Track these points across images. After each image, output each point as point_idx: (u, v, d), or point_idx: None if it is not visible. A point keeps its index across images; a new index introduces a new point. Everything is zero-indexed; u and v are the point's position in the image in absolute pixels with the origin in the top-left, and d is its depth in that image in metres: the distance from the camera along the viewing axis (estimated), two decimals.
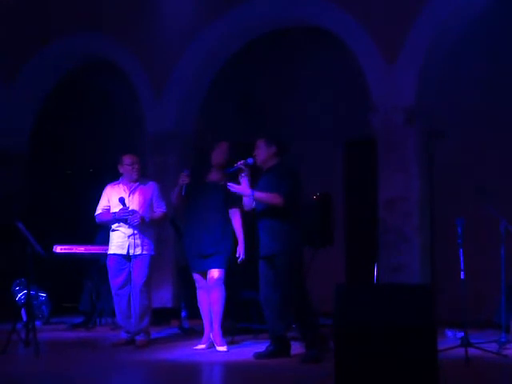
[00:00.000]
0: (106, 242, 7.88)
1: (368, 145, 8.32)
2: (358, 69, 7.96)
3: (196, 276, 6.18)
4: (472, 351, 5.38)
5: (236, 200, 5.97)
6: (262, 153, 5.75)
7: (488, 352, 5.52)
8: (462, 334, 5.54)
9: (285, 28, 9.00)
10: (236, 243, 6.08)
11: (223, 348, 6.00)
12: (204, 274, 6.11)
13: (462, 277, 5.63)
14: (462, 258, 5.63)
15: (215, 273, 6.02)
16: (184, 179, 6.08)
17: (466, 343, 5.39)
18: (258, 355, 5.65)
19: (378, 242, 7.75)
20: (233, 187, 5.66)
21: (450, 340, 6.31)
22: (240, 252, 6.05)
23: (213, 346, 6.08)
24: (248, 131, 9.74)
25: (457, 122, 8.26)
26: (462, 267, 5.63)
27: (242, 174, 5.74)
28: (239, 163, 5.76)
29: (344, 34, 8.06)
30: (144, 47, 9.29)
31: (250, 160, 5.77)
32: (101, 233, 8.22)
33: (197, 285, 6.18)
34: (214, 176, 6.19)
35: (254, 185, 5.74)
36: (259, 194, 5.60)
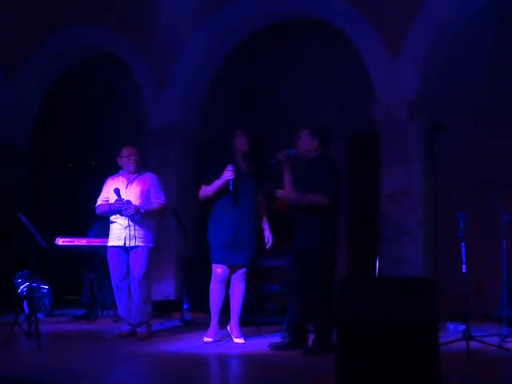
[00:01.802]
0: (99, 235, 7.92)
1: (371, 138, 8.31)
2: (361, 62, 7.95)
3: (218, 268, 6.05)
4: (473, 344, 5.37)
5: (262, 187, 6.02)
6: (305, 144, 5.64)
7: (490, 345, 5.51)
8: (464, 327, 5.54)
9: (287, 21, 8.98)
10: None
11: (241, 340, 6.02)
12: (231, 267, 6.08)
13: (463, 270, 5.63)
14: (463, 252, 5.63)
15: (242, 268, 6.06)
16: (230, 174, 5.94)
17: (467, 336, 5.38)
18: (273, 346, 5.65)
19: (380, 235, 7.75)
20: (280, 193, 5.59)
21: (451, 333, 6.31)
22: (268, 237, 6.10)
23: (220, 340, 6.09)
24: (251, 124, 9.75)
25: (459, 116, 8.25)
26: (463, 261, 5.62)
27: (284, 166, 5.65)
28: (281, 155, 5.65)
29: (347, 27, 8.04)
30: (146, 41, 9.28)
31: (292, 151, 5.65)
32: (94, 226, 8.24)
33: (215, 278, 6.06)
34: (241, 165, 6.12)
35: (294, 175, 5.68)
36: (305, 199, 5.48)
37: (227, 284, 6.12)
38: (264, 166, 6.05)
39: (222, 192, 6.03)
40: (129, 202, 6.33)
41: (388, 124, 7.77)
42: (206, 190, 6.12)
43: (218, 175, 6.02)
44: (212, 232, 6.12)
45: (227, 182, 5.97)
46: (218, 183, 6.02)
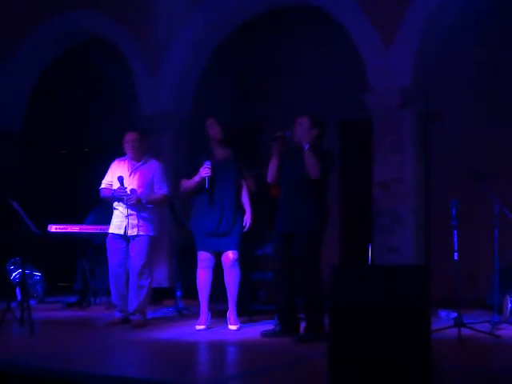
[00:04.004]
0: (96, 222, 7.91)
1: (364, 125, 8.31)
2: (355, 49, 7.93)
3: (203, 255, 6.08)
4: (465, 331, 5.41)
5: (245, 173, 6.04)
6: (304, 131, 5.64)
7: (481, 332, 5.55)
8: (456, 314, 5.57)
9: (282, 7, 8.95)
10: None
11: (234, 327, 6.03)
12: (215, 254, 6.09)
13: (455, 258, 5.65)
14: (455, 240, 5.65)
15: (231, 254, 6.04)
16: (207, 171, 5.96)
17: (459, 323, 5.42)
18: (264, 334, 5.67)
19: (372, 223, 7.76)
20: (302, 124, 5.58)
21: (443, 320, 6.34)
22: (247, 221, 6.08)
23: (212, 327, 6.10)
24: (244, 111, 9.74)
25: (453, 103, 8.26)
26: (455, 248, 5.65)
27: (276, 145, 5.63)
28: (278, 134, 5.64)
29: (341, 14, 8.01)
30: (139, 27, 9.23)
31: (288, 132, 5.64)
32: (91, 213, 8.23)
33: (201, 264, 6.09)
34: (219, 153, 6.14)
35: (287, 160, 5.69)
36: (310, 152, 5.48)
37: (218, 271, 6.13)
38: (244, 152, 6.07)
39: (201, 186, 6.05)
40: (132, 190, 6.30)
41: (381, 111, 7.76)
42: (186, 185, 6.15)
43: (196, 169, 6.05)
44: (195, 220, 6.15)
45: (204, 179, 5.98)
46: (195, 179, 6.04)
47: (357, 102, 7.92)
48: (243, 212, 6.12)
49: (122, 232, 6.35)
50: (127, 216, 6.32)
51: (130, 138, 6.47)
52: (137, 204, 6.30)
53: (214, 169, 6.01)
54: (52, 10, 9.77)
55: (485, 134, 8.27)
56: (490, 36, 8.26)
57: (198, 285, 6.13)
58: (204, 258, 6.09)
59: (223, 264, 6.09)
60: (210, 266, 6.10)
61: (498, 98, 8.31)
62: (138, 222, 6.34)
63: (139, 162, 6.49)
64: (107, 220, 6.66)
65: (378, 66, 7.77)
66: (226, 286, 6.10)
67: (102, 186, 6.53)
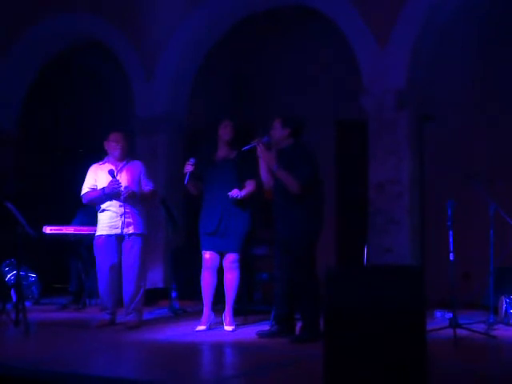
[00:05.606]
0: (83, 223, 7.89)
1: (360, 126, 8.31)
2: (350, 50, 7.93)
3: (206, 254, 6.09)
4: (461, 332, 5.41)
5: (252, 172, 5.99)
6: (277, 133, 5.69)
7: (476, 333, 5.55)
8: (451, 314, 5.57)
9: (278, 8, 8.95)
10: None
11: (229, 328, 6.03)
12: (221, 254, 6.09)
13: (451, 258, 5.66)
14: (451, 240, 5.66)
15: (231, 255, 6.05)
16: (188, 168, 6.01)
17: (454, 324, 5.42)
18: (260, 334, 5.67)
19: (368, 223, 7.76)
20: (262, 152, 5.61)
21: (438, 321, 6.35)
22: (239, 192, 5.95)
23: (213, 327, 6.09)
24: (240, 111, 9.73)
25: (448, 104, 8.27)
26: (451, 249, 5.65)
27: (259, 153, 5.68)
28: (254, 142, 5.70)
29: (336, 16, 8.02)
30: (134, 28, 9.21)
31: (265, 138, 5.70)
32: (77, 215, 8.21)
33: (204, 264, 6.10)
34: (222, 152, 6.16)
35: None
36: (281, 172, 5.51)
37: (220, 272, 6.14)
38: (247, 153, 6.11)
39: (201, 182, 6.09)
40: (124, 187, 6.27)
41: (377, 113, 7.76)
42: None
43: (198, 166, 6.09)
44: (200, 220, 6.18)
45: (185, 176, 6.02)
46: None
47: (354, 101, 7.92)
48: (246, 213, 6.10)
49: (118, 231, 6.29)
50: (122, 215, 6.28)
51: (117, 137, 6.41)
52: (132, 197, 6.26)
53: (212, 168, 6.06)
54: (50, 11, 9.74)
55: (482, 134, 8.27)
56: (488, 35, 8.26)
57: (201, 285, 6.13)
58: (207, 258, 6.10)
59: (223, 265, 6.10)
60: (213, 266, 6.09)
61: (494, 98, 8.31)
62: (133, 220, 6.31)
63: (122, 161, 6.46)
64: (93, 222, 6.59)
65: (373, 67, 7.77)
66: (225, 286, 6.11)
67: (85, 190, 6.41)
